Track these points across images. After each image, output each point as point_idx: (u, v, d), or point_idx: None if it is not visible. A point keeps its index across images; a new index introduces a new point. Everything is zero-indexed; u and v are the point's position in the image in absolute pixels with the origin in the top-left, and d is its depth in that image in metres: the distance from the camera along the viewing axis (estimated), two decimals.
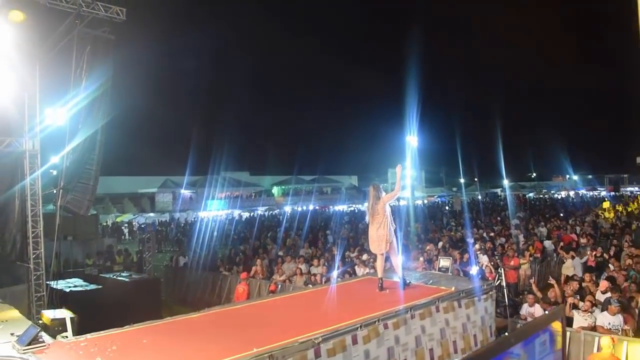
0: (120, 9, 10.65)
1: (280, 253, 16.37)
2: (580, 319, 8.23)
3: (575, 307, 8.60)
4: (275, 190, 55.53)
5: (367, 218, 7.75)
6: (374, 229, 7.59)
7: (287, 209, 43.83)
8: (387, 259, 8.09)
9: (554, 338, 1.84)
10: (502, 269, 9.63)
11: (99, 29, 10.84)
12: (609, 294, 8.68)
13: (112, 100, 11.43)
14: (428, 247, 15.18)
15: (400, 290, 7.42)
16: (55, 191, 12.13)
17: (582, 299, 8.76)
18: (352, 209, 45.83)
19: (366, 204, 7.95)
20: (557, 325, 1.82)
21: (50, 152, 11.64)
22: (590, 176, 65.80)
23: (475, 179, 61.95)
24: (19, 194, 10.48)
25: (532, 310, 8.96)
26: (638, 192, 51.51)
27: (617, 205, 29.43)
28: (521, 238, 17.59)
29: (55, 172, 12.51)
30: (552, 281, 10.17)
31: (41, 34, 9.92)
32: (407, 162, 25.51)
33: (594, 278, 10.28)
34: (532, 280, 11.36)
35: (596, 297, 9.03)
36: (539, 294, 9.62)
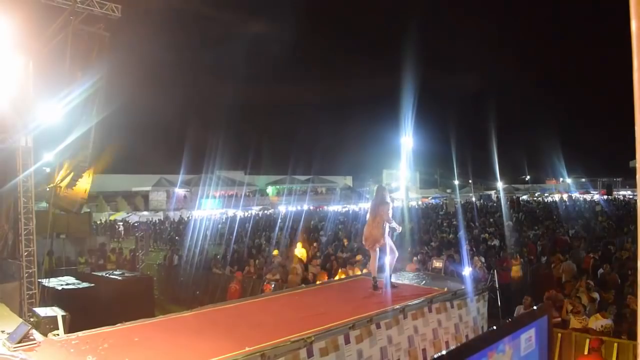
0: (116, 6, 10.60)
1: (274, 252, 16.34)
2: (574, 321, 8.27)
3: (568, 309, 8.63)
4: (269, 189, 55.51)
5: (367, 216, 7.93)
6: (370, 228, 7.73)
7: (282, 208, 43.76)
8: (381, 257, 8.10)
9: (540, 334, 1.85)
10: (495, 270, 9.66)
11: (94, 26, 10.80)
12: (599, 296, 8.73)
13: (107, 98, 11.39)
14: (421, 248, 15.21)
15: (394, 290, 7.44)
16: (48, 188, 12.09)
17: (575, 301, 8.79)
18: (346, 209, 45.81)
19: (370, 203, 8.19)
20: (543, 321, 1.84)
21: (44, 149, 11.55)
22: (583, 179, 66.10)
23: (470, 181, 62.08)
24: (12, 191, 10.41)
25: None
26: (631, 196, 51.79)
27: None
28: (514, 240, 17.63)
29: (48, 170, 12.45)
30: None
31: (36, 30, 9.85)
32: (402, 163, 25.58)
33: (587, 280, 10.31)
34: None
35: (589, 299, 9.07)
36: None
